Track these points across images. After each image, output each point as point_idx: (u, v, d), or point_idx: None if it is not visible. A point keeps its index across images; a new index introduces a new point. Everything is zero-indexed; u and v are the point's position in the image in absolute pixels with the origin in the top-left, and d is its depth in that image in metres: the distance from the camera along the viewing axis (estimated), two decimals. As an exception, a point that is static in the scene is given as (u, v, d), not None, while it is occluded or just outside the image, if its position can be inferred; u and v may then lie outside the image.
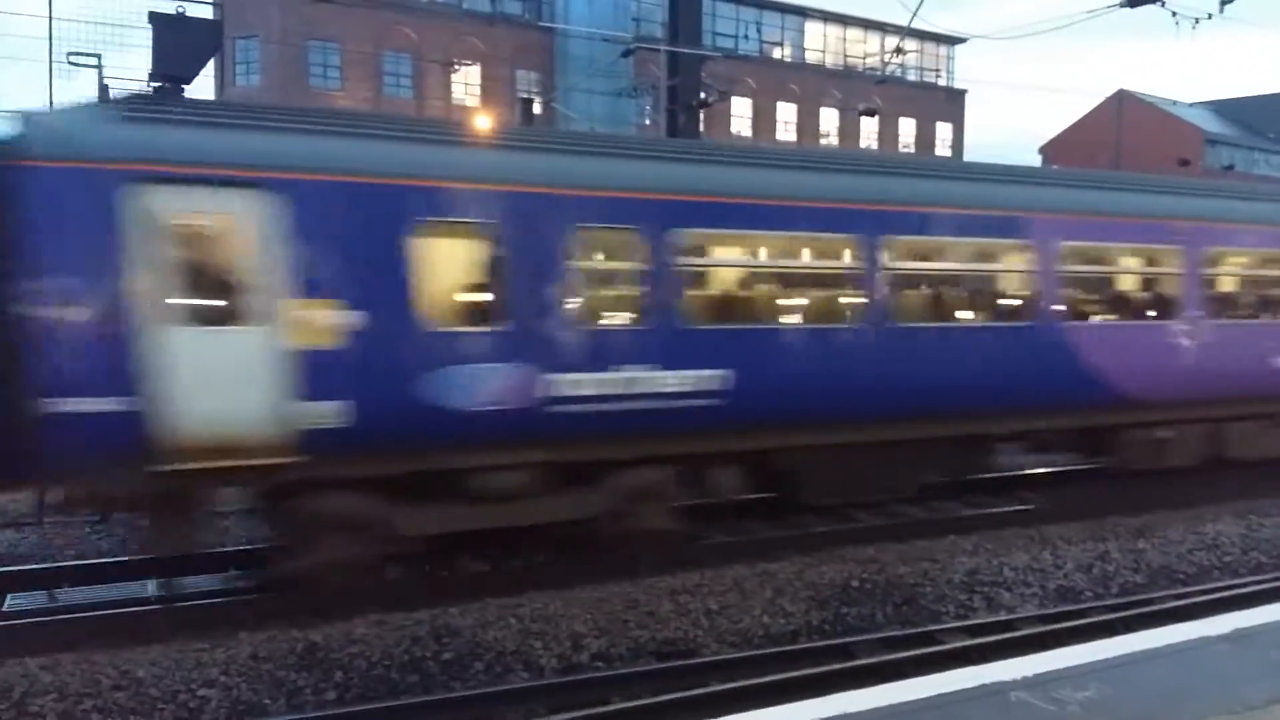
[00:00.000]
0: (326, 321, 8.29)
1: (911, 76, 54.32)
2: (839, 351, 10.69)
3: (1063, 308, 11.97)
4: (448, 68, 42.53)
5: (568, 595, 9.00)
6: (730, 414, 9.92)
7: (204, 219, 8.24)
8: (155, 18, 11.80)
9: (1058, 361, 11.71)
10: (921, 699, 5.09)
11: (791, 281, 11.62)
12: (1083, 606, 9.07)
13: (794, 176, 10.79)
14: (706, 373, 9.81)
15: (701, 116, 22.68)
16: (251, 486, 9.04)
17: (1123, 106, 57.44)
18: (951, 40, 54.95)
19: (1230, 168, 50.74)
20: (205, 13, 37.12)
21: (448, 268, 9.27)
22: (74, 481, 8.05)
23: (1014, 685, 5.23)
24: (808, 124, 51.12)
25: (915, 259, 11.66)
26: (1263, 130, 59.70)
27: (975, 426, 11.69)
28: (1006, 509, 12.55)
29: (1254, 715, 4.87)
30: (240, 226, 8.20)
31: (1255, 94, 62.13)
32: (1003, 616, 8.80)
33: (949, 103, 55.97)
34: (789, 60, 51.69)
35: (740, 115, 49.08)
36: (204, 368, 7.93)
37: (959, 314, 12.11)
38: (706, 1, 32.37)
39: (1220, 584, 9.74)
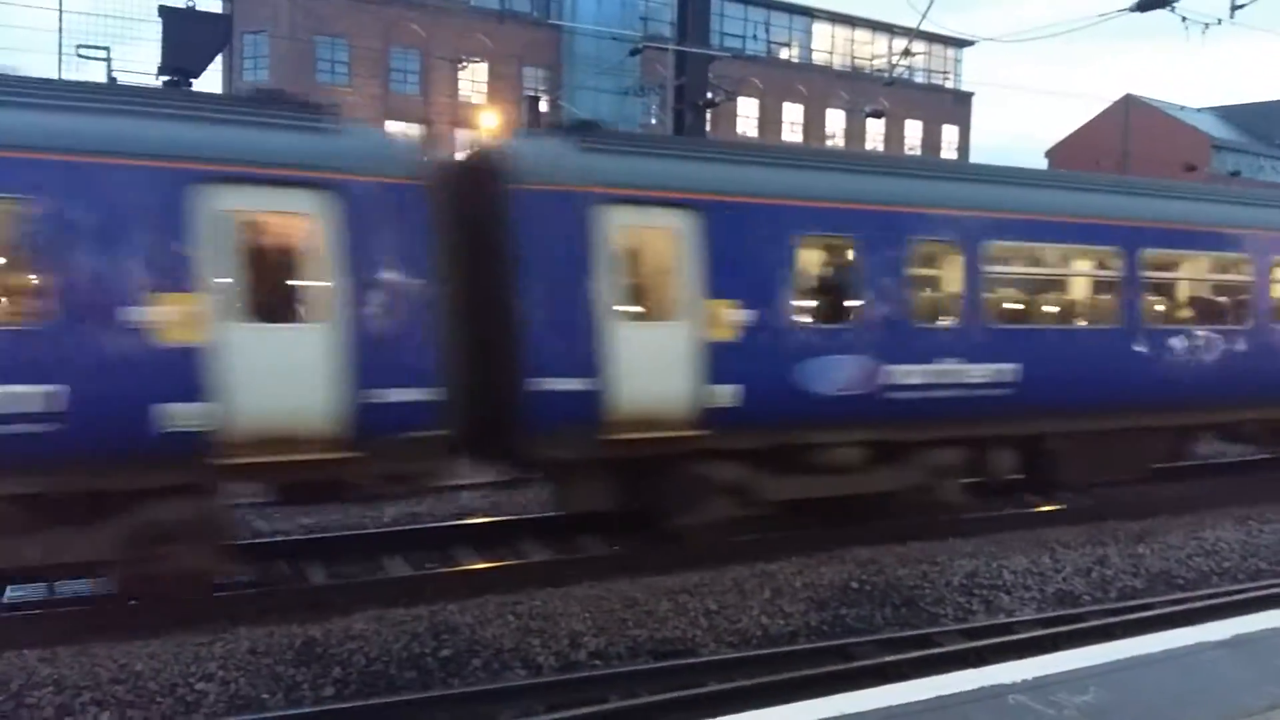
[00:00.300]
0: (729, 318, 9.93)
1: (919, 79, 54.26)
2: (1103, 348, 12.38)
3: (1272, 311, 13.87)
4: (455, 64, 42.59)
5: (566, 593, 9.01)
6: (1018, 401, 11.52)
7: (648, 233, 10.03)
8: (165, 11, 11.83)
9: (1266, 359, 13.61)
10: (921, 701, 5.08)
11: (1066, 288, 13.56)
12: (1081, 610, 9.06)
13: (1065, 196, 12.65)
14: (1002, 366, 11.43)
15: (708, 116, 22.68)
16: (665, 455, 10.13)
17: (1129, 111, 57.35)
18: (959, 43, 54.87)
19: (1236, 173, 50.60)
20: (215, 7, 37.28)
21: (815, 273, 11.22)
22: (545, 446, 9.45)
23: (1013, 688, 5.23)
24: (814, 125, 51.10)
25: (1162, 269, 13.52)
26: (1270, 136, 59.55)
27: (1200, 417, 13.64)
28: (1006, 512, 12.57)
29: (1257, 720, 4.87)
30: (674, 239, 9.88)
31: (1263, 99, 62.09)
32: (1001, 620, 8.79)
33: (956, 105, 55.91)
34: (796, 61, 51.66)
35: (747, 115, 49.07)
36: (642, 356, 9.55)
37: (1192, 316, 13.77)
38: (714, 1, 32.35)
39: (1219, 589, 9.73)
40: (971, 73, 76.78)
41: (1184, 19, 17.63)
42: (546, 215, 9.31)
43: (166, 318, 7.87)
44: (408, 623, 8.12)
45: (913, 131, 54.14)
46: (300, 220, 8.55)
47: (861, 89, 50.03)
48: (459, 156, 9.50)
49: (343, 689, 7.18)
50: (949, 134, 55.59)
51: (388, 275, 8.67)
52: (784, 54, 51.41)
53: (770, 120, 49.76)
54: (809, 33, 52.35)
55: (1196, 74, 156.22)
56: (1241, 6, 16.52)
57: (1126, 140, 51.85)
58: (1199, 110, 62.22)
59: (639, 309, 9.96)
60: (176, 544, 8.27)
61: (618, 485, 10.04)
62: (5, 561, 8.04)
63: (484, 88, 44.70)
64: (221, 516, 8.81)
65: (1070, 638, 7.97)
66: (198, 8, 13.65)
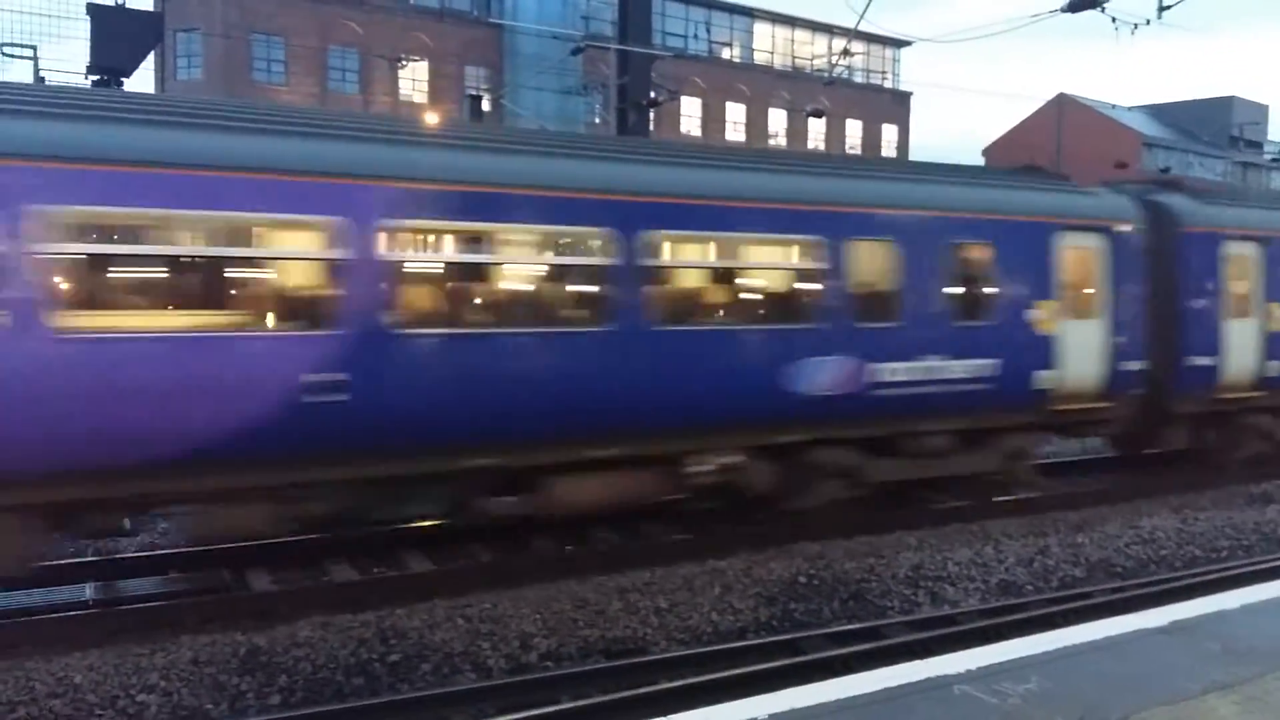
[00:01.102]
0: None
1: (859, 78, 54.91)
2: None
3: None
4: (395, 63, 42.09)
5: (516, 595, 8.96)
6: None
7: (1242, 258, 14.50)
8: (93, 9, 11.52)
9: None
10: (868, 693, 5.13)
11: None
12: (1024, 600, 9.24)
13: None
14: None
15: (651, 116, 22.69)
16: (1231, 410, 14.65)
17: (1063, 110, 58.67)
18: (897, 43, 55.64)
19: (1167, 170, 52.04)
20: (145, 4, 36.39)
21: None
22: (1184, 404, 14.08)
23: (958, 679, 5.30)
24: (756, 124, 51.44)
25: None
26: (1198, 134, 61.33)
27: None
28: (949, 505, 12.80)
29: (1190, 705, 4.98)
30: (1252, 262, 14.66)
31: (1191, 98, 63.93)
32: (946, 611, 8.93)
33: (895, 105, 56.66)
34: (738, 61, 51.96)
35: (690, 115, 49.22)
36: (1239, 342, 14.22)
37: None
38: (656, 1, 32.40)
39: (1157, 577, 9.97)
40: (910, 73, 77.91)
41: (1114, 20, 18.16)
42: (1196, 248, 13.93)
43: (1041, 316, 12.27)
44: (355, 629, 8.00)
45: (853, 131, 54.77)
46: (1090, 253, 12.88)
47: (802, 89, 50.50)
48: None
49: (289, 697, 7.06)
50: (889, 133, 56.34)
51: (1126, 287, 13.10)
52: (726, 54, 51.67)
53: (713, 120, 49.97)
54: (750, 33, 52.67)
55: (1128, 74, 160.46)
56: (1169, 7, 16.96)
57: (1060, 138, 53.02)
58: (1130, 109, 63.81)
59: (1235, 310, 14.33)
60: (1026, 460, 12.93)
61: (1192, 431, 14.51)
62: (940, 471, 12.14)
63: (425, 87, 44.25)
64: (1037, 445, 13.39)
65: (1013, 627, 8.12)
66: (127, 5, 13.30)
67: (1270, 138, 64.02)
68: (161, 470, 7.80)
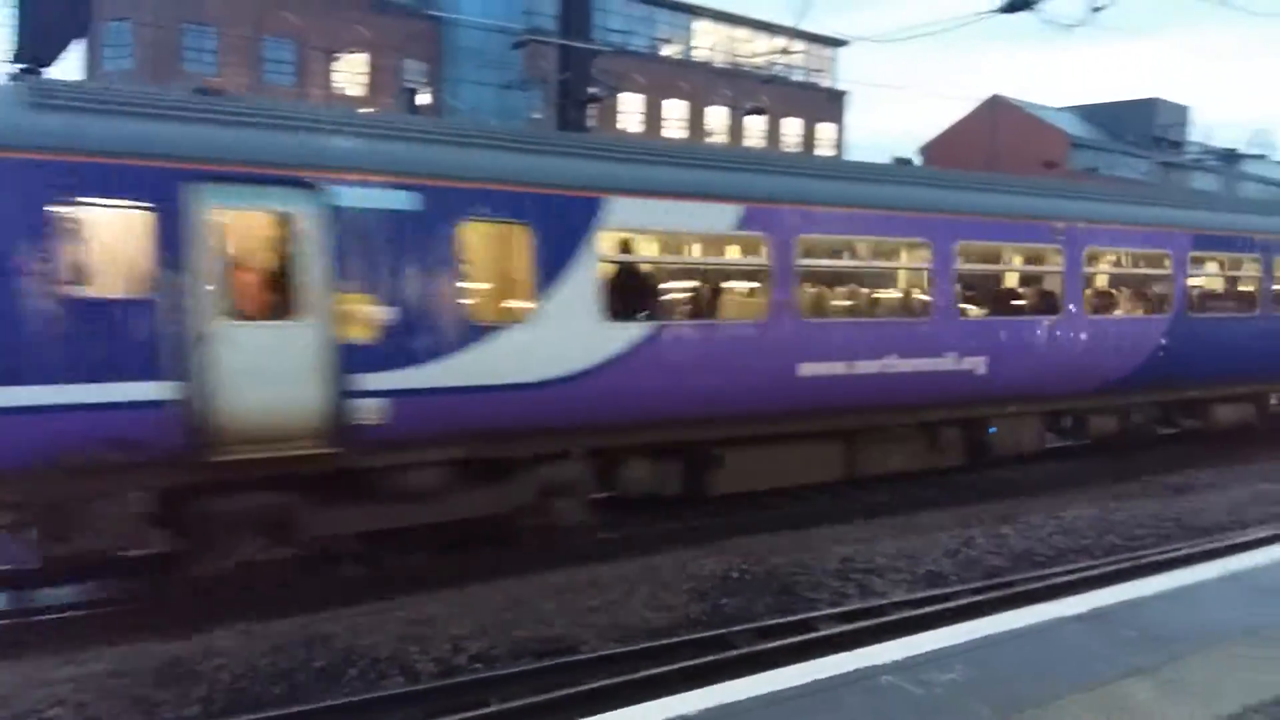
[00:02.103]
0: None
1: (797, 77, 55.37)
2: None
3: None
4: (331, 55, 41.39)
5: (448, 596, 8.85)
6: None
7: None
8: (19, -7, 11.08)
9: None
10: (796, 686, 5.16)
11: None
12: (949, 590, 9.36)
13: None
14: None
15: (593, 111, 22.56)
16: None
17: (996, 110, 59.83)
18: (835, 42, 56.23)
19: (1094, 170, 53.38)
20: (67, -8, 35.26)
21: None
22: None
23: (884, 669, 5.35)
24: (697, 121, 51.62)
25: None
26: (1124, 135, 62.97)
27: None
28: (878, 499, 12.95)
29: (1107, 690, 5.08)
30: None
31: (1118, 99, 65.58)
32: (875, 602, 9.00)
33: (832, 103, 57.26)
34: (679, 58, 52.06)
35: (630, 111, 49.21)
36: None
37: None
38: (596, -4, 32.27)
39: (1077, 566, 10.16)
40: (848, 72, 78.93)
41: (1045, 22, 18.53)
42: None
43: None
44: (278, 635, 7.83)
45: (792, 129, 55.23)
46: None
47: (742, 87, 50.82)
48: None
49: (208, 707, 6.86)
50: (826, 131, 56.93)
51: None
52: (667, 51, 51.75)
53: (654, 116, 50.04)
54: (691, 30, 52.82)
55: (1060, 75, 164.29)
56: (1101, 9, 17.27)
57: (994, 138, 54.08)
58: (1059, 110, 65.27)
59: None
60: None
61: None
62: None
63: (363, 80, 43.60)
64: None
65: (940, 617, 8.22)
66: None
67: (1191, 139, 65.99)
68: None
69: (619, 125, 48.02)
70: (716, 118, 52.27)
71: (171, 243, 7.89)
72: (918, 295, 12.85)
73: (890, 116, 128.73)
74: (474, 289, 9.55)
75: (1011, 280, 14.84)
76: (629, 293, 10.30)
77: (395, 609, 8.43)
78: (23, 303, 7.44)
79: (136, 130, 7.94)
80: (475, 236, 9.48)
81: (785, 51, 51.92)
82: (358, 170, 8.69)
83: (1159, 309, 14.96)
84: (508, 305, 9.94)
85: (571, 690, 6.91)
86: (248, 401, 8.08)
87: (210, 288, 8.03)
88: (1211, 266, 16.30)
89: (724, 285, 11.91)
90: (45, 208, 7.53)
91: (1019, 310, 13.98)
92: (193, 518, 8.43)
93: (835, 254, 12.64)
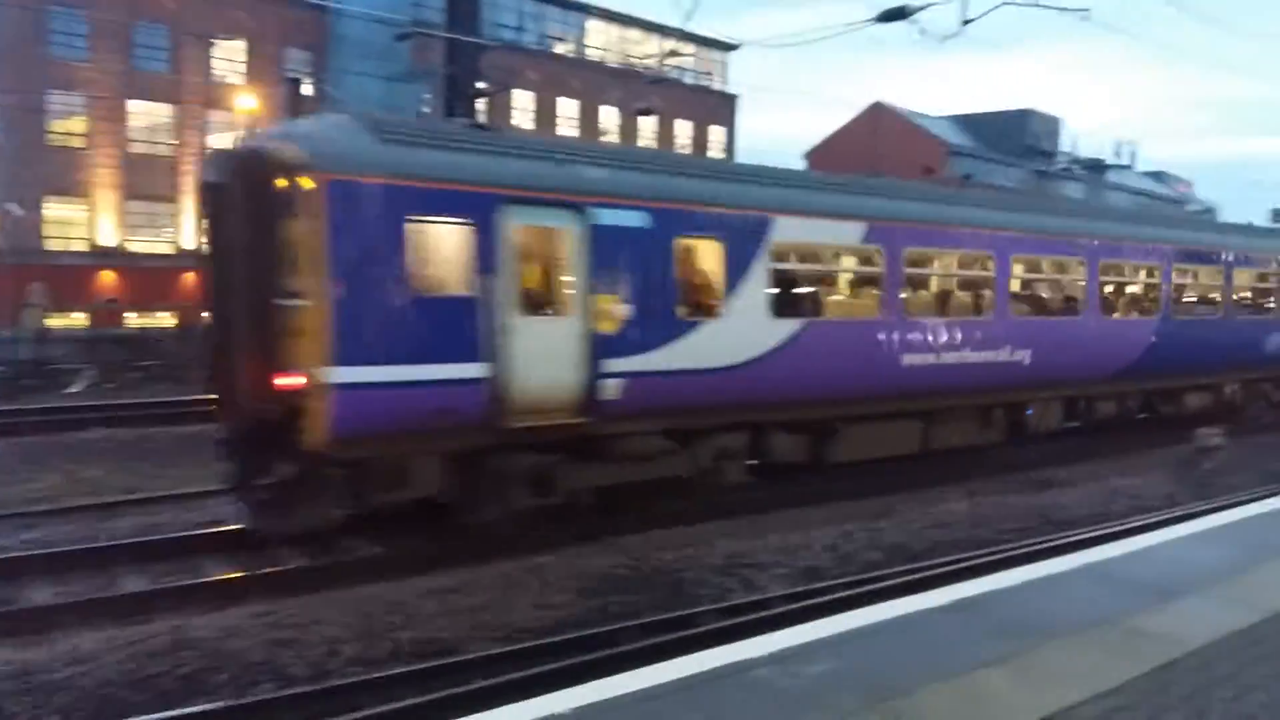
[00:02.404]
0: None
1: (688, 80, 55.95)
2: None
3: None
4: (207, 41, 39.85)
5: (325, 599, 8.64)
6: None
7: None
8: None
9: None
10: (672, 681, 5.16)
11: None
12: (826, 584, 9.59)
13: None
14: None
15: (483, 106, 22.29)
16: None
17: (878, 118, 61.68)
18: (724, 46, 57.02)
19: (969, 177, 55.46)
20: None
21: None
22: None
23: (758, 663, 5.39)
24: (589, 120, 51.61)
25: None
26: (997, 144, 65.68)
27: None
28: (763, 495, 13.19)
29: (967, 678, 5.25)
30: None
31: (992, 110, 68.28)
32: (756, 597, 9.17)
33: (722, 107, 58.07)
34: (571, 56, 51.95)
35: (522, 109, 48.86)
36: None
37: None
38: (486, -10, 31.88)
39: (948, 558, 10.54)
40: (738, 76, 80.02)
41: (921, 32, 19.35)
42: None
43: None
44: (143, 641, 7.52)
45: (683, 131, 55.77)
46: None
47: (634, 87, 51.06)
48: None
49: (68, 717, 6.54)
50: (717, 134, 57.69)
51: None
52: (559, 48, 51.58)
53: (545, 114, 49.81)
54: (583, 28, 52.77)
55: (938, 85, 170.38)
56: (970, 21, 17.97)
57: (876, 145, 55.74)
58: (938, 118, 67.65)
59: None
60: None
61: None
62: None
63: (242, 68, 42.10)
64: None
65: (817, 610, 8.39)
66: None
67: (1061, 148, 69.31)
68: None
69: (512, 121, 47.62)
70: (608, 117, 52.37)
71: (486, 252, 9.68)
72: (983, 299, 15.20)
73: (779, 121, 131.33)
74: (682, 291, 11.48)
75: (1046, 286, 17.22)
76: (786, 294, 12.59)
77: (268, 612, 8.18)
78: (386, 299, 9.13)
79: (462, 161, 9.83)
80: (685, 248, 11.54)
81: (676, 53, 52.51)
82: (608, 195, 10.70)
83: (1150, 312, 17.89)
84: (704, 304, 11.78)
85: (451, 691, 6.83)
86: (531, 380, 9.96)
87: (510, 288, 9.81)
88: (1188, 277, 19.07)
89: (851, 289, 14.29)
90: (400, 224, 9.21)
91: (1053, 312, 16.54)
92: (484, 474, 10.17)
93: (929, 263, 14.68)
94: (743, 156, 56.10)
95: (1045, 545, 10.86)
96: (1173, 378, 18.37)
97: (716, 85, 58.04)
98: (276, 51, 42.26)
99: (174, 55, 40.77)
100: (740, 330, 11.77)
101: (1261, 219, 51.18)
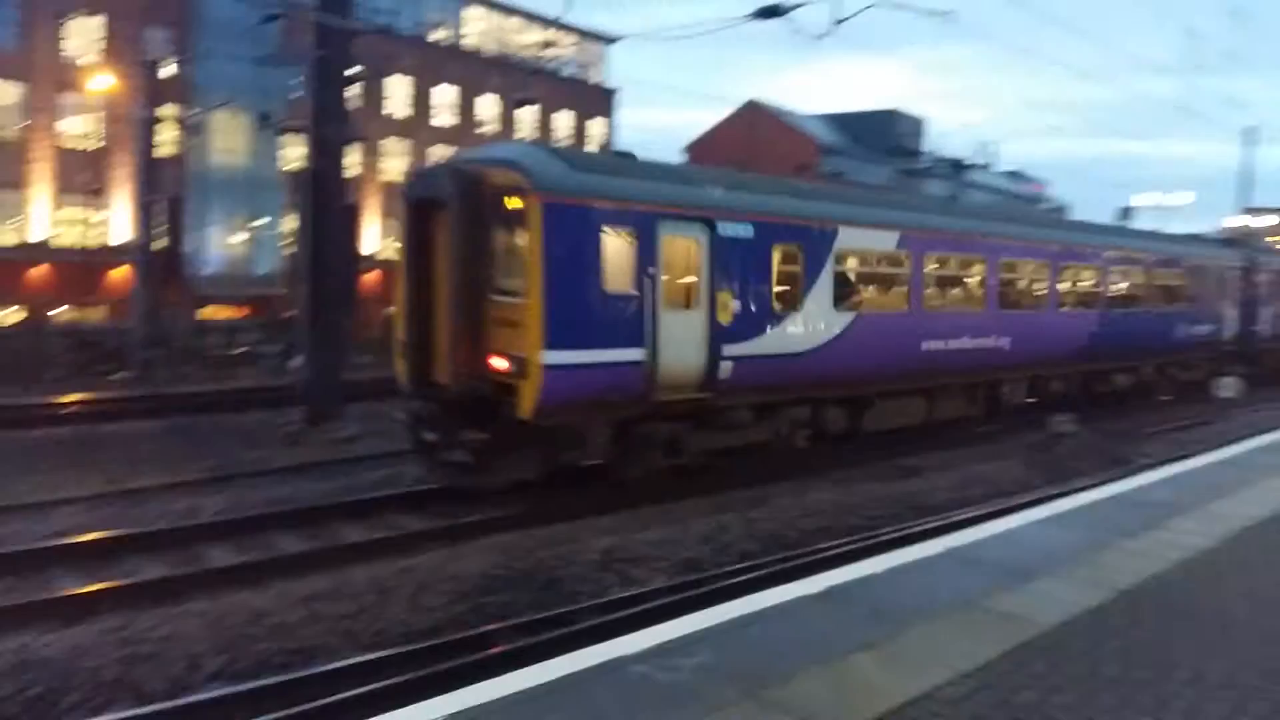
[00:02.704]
0: None
1: (568, 71, 55.68)
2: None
3: None
4: (59, 18, 37.46)
5: (185, 611, 8.23)
6: None
7: None
8: None
9: None
10: (547, 682, 5.09)
11: None
12: (704, 575, 9.69)
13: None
14: None
15: (357, 92, 21.57)
16: None
17: (754, 115, 62.72)
18: (604, 39, 56.99)
19: (840, 174, 56.97)
20: None
21: None
22: None
23: (635, 659, 5.36)
24: (468, 109, 50.78)
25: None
26: (866, 142, 67.62)
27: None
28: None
29: (839, 664, 5.37)
30: None
31: (862, 110, 70.22)
32: (634, 591, 9.17)
33: (603, 99, 58.02)
34: (449, 44, 50.98)
35: (397, 96, 47.71)
36: None
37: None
38: (359, -26, 30.84)
39: (821, 546, 10.78)
40: (620, 69, 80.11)
41: (795, 31, 19.63)
42: None
43: None
44: (-18, 662, 7.00)
45: (563, 122, 55.49)
46: None
47: (514, 77, 50.53)
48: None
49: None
50: (597, 126, 57.61)
51: None
52: (436, 35, 50.56)
53: (422, 102, 48.77)
54: (460, 15, 51.86)
55: (814, 84, 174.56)
56: (843, 20, 18.32)
57: (752, 141, 56.68)
58: (811, 117, 69.18)
59: None
60: None
61: None
62: None
63: (100, 46, 39.71)
64: None
65: (695, 602, 8.44)
66: None
67: (925, 148, 71.82)
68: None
69: (385, 111, 46.47)
70: (487, 106, 51.65)
71: (646, 258, 11.91)
72: (978, 294, 18.11)
73: (661, 115, 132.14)
74: (775, 289, 13.72)
75: (1021, 285, 19.78)
76: (843, 291, 15.01)
77: (122, 627, 7.74)
78: (582, 297, 11.31)
79: (632, 185, 12.16)
80: (777, 253, 13.81)
81: (551, 44, 52.13)
82: (727, 211, 13.02)
83: (1092, 307, 21.39)
84: (790, 300, 13.98)
85: (319, 703, 6.60)
86: (672, 362, 12.18)
87: (660, 287, 12.03)
88: (1121, 279, 22.76)
89: (885, 285, 16.53)
90: (592, 236, 11.44)
91: (1025, 306, 19.44)
92: (634, 439, 12.47)
93: (942, 265, 17.30)
94: (624, 149, 56.18)
95: (911, 531, 11.22)
96: (1108, 361, 21.97)
97: (597, 78, 57.94)
98: (136, 31, 40.00)
99: (24, 31, 38.18)
100: (813, 321, 14.29)
101: (1109, 216, 54.34)
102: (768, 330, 13.54)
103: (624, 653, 5.49)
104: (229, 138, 42.46)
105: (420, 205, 12.13)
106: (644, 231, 11.87)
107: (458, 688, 5.30)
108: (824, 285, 14.53)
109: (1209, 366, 26.00)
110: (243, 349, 28.96)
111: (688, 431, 13.02)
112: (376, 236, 46.09)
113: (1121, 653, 5.58)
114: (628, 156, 13.87)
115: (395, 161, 47.50)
